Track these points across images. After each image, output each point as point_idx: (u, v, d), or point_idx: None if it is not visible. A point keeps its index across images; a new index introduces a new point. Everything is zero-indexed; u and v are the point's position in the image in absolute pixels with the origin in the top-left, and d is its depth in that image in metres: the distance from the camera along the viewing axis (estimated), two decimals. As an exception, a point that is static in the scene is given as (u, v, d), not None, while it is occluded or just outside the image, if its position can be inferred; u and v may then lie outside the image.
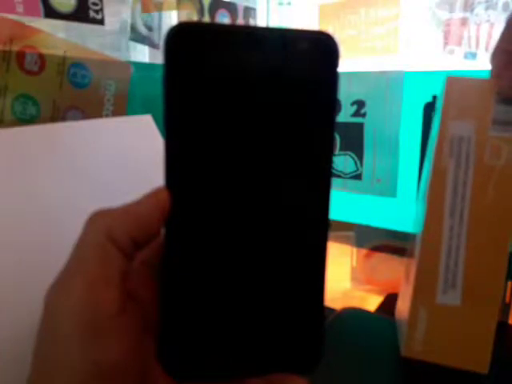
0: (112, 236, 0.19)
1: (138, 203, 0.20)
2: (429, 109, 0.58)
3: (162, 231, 0.21)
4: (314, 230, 0.21)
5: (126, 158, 0.41)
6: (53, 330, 0.18)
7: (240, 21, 0.69)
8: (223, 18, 0.68)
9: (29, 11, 0.46)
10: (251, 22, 0.70)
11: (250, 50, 0.20)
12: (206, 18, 0.65)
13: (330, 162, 0.21)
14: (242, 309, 0.21)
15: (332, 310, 0.45)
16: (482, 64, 0.64)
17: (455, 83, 0.33)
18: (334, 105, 0.21)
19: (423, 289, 0.34)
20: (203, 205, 0.20)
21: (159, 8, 0.61)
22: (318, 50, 0.20)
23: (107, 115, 0.51)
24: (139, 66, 0.54)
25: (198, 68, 0.19)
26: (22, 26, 0.45)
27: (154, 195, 0.20)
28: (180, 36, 0.19)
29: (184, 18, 0.62)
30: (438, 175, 0.33)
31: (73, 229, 0.20)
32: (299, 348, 0.21)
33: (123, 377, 0.18)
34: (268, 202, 0.21)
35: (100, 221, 0.19)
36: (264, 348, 0.21)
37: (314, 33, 0.20)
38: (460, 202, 0.33)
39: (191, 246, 0.20)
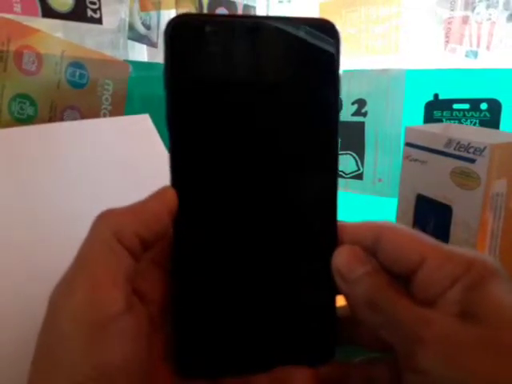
0: (119, 235, 0.19)
1: (145, 202, 0.20)
2: (430, 107, 0.58)
3: (171, 231, 0.20)
4: (323, 228, 0.21)
5: (123, 158, 0.41)
6: (53, 329, 0.18)
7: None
8: (222, 16, 0.67)
9: (26, 11, 0.45)
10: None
11: (250, 39, 0.19)
12: (205, 17, 0.64)
13: (335, 154, 0.21)
14: (254, 305, 0.21)
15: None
16: (483, 63, 0.64)
17: (497, 148, 0.39)
18: (337, 92, 0.20)
19: None
20: (211, 203, 0.20)
21: (157, 7, 0.60)
22: (320, 38, 0.20)
23: (105, 115, 0.50)
24: (137, 65, 0.53)
25: (200, 61, 0.19)
26: (19, 25, 0.44)
27: (160, 194, 0.20)
28: (180, 28, 0.19)
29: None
30: (483, 226, 0.41)
31: (71, 229, 0.20)
32: (311, 342, 0.21)
33: (126, 380, 0.18)
34: (276, 198, 0.21)
35: (107, 220, 0.19)
36: (277, 343, 0.21)
37: (315, 20, 0.20)
38: (494, 244, 0.42)
39: (200, 245, 0.20)
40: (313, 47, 0.20)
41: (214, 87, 0.19)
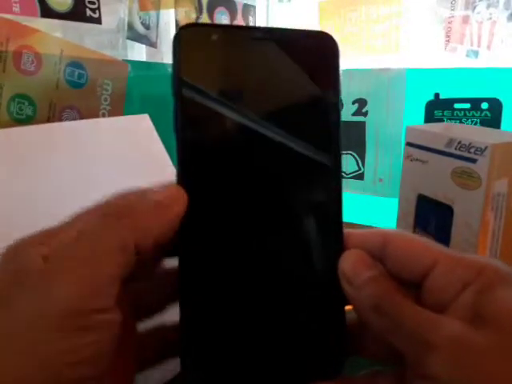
0: (138, 236, 0.18)
1: (163, 204, 0.19)
2: (431, 107, 0.58)
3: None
4: (328, 237, 0.21)
5: (123, 158, 0.41)
6: (29, 299, 0.16)
7: (239, 18, 0.69)
8: (222, 16, 0.67)
9: (25, 11, 0.46)
10: (250, 20, 0.70)
11: (256, 50, 0.20)
12: (205, 16, 0.65)
13: (338, 162, 0.21)
14: (262, 317, 0.20)
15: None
16: (484, 62, 0.64)
17: (498, 148, 0.39)
18: (337, 101, 0.21)
19: None
20: (217, 205, 0.20)
21: (157, 6, 0.60)
22: (320, 50, 0.21)
23: (104, 115, 0.50)
24: (136, 64, 0.53)
25: (208, 70, 0.20)
26: (18, 25, 0.44)
27: (176, 195, 0.20)
28: (189, 38, 0.20)
29: (182, 16, 0.61)
30: (484, 226, 0.41)
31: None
32: (321, 356, 0.21)
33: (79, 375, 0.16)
34: (280, 205, 0.21)
35: (129, 218, 0.19)
36: (286, 357, 0.20)
37: (314, 32, 0.21)
38: (495, 244, 0.42)
39: (206, 251, 0.20)
40: (313, 59, 0.21)
41: (220, 96, 0.20)
